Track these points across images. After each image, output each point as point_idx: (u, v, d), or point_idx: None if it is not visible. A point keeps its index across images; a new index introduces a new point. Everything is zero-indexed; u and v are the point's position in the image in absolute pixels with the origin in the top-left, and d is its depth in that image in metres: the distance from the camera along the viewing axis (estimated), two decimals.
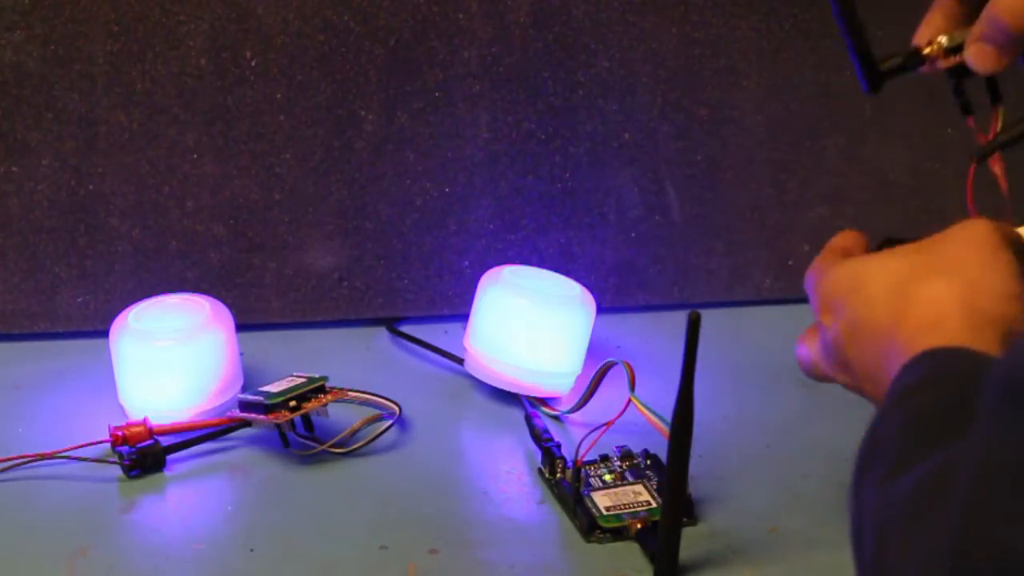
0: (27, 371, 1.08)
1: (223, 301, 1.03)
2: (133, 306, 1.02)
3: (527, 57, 1.13)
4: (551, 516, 0.92)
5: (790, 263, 1.18)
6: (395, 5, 1.11)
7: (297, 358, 1.08)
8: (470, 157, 1.14)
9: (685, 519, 0.88)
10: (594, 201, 1.15)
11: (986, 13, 0.79)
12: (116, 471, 0.95)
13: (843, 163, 1.18)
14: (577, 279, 1.07)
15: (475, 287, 1.05)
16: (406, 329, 1.13)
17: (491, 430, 1.02)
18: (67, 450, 0.96)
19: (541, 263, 1.13)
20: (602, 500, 0.91)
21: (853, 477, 0.66)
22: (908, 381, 0.67)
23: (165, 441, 0.97)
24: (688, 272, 1.17)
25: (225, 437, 0.98)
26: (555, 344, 1.02)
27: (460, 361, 1.06)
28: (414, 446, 0.99)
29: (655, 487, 0.93)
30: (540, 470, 0.95)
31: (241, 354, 1.03)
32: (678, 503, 0.84)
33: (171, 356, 0.99)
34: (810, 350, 0.82)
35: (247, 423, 0.97)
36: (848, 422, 1.01)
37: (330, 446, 0.97)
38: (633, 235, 1.16)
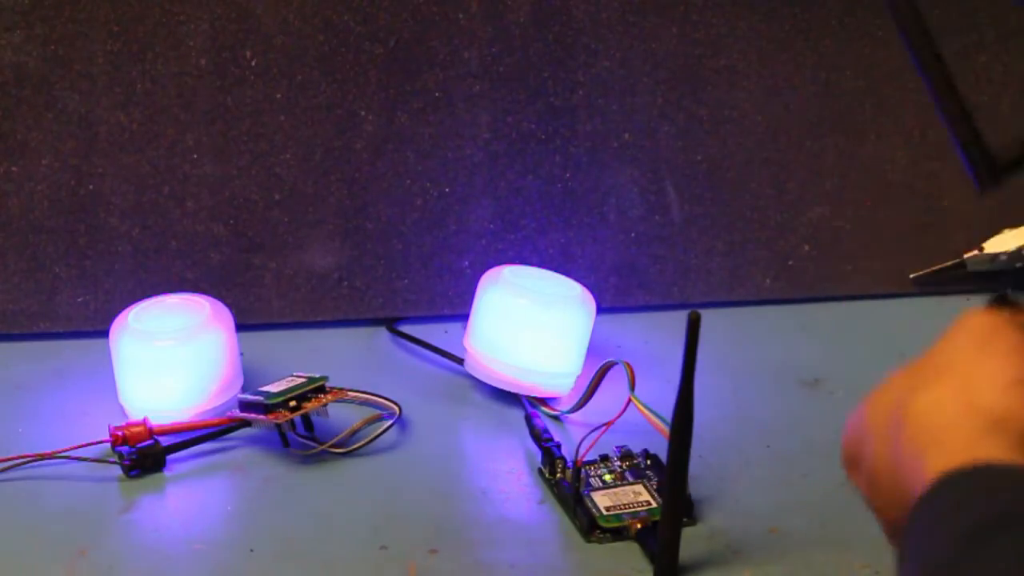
0: (27, 371, 1.08)
1: (223, 301, 1.03)
2: (133, 306, 1.02)
3: (527, 57, 1.13)
4: (551, 516, 0.92)
5: (790, 263, 1.18)
6: (395, 5, 1.11)
7: (297, 358, 1.08)
8: (470, 157, 1.14)
9: (685, 519, 0.88)
10: (594, 201, 1.15)
11: None
12: (116, 471, 0.95)
13: (843, 163, 1.18)
14: (577, 279, 1.06)
15: (475, 287, 1.05)
16: (406, 329, 1.13)
17: (491, 430, 1.02)
18: (67, 450, 0.96)
19: (541, 263, 1.13)
20: (602, 500, 0.91)
21: None
22: (917, 530, 0.56)
23: (165, 441, 0.97)
24: (688, 272, 1.17)
25: (225, 437, 0.98)
26: (555, 344, 1.02)
27: (460, 361, 1.06)
28: (414, 446, 0.99)
29: (655, 487, 0.93)
30: (540, 470, 0.95)
31: (241, 354, 1.03)
32: (678, 503, 0.84)
33: (171, 356, 0.99)
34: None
35: (247, 423, 0.97)
36: None
37: (330, 446, 0.97)
38: (633, 235, 1.16)
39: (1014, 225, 1.17)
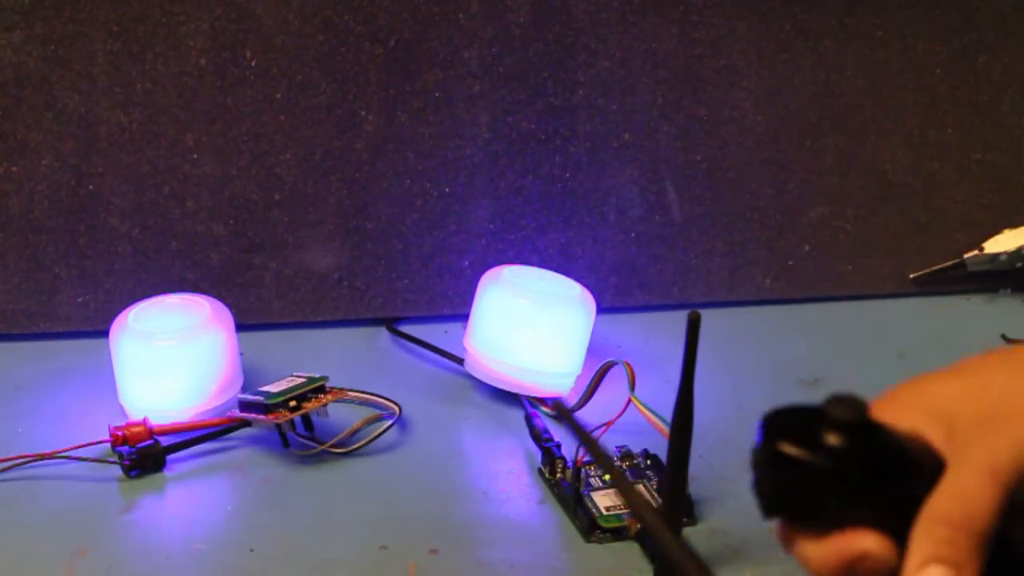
0: (27, 371, 1.08)
1: (223, 301, 1.03)
2: (133, 306, 1.02)
3: (527, 57, 1.13)
4: (551, 516, 0.92)
5: (790, 263, 1.18)
6: (395, 5, 1.11)
7: (297, 358, 1.08)
8: (470, 157, 1.14)
9: (685, 519, 0.88)
10: (594, 201, 1.15)
11: None
12: (116, 471, 0.95)
13: (843, 163, 1.18)
14: (577, 279, 1.06)
15: (475, 287, 1.05)
16: (406, 329, 1.13)
17: (491, 430, 1.02)
18: (67, 450, 0.96)
19: (541, 263, 1.13)
20: (602, 500, 0.91)
21: None
22: None
23: (165, 441, 0.97)
24: (688, 272, 1.17)
25: (225, 437, 0.98)
26: (555, 344, 1.02)
27: (460, 361, 1.06)
28: (414, 446, 0.99)
29: (655, 487, 0.93)
30: (540, 470, 0.95)
31: (241, 354, 1.03)
32: (678, 503, 0.84)
33: (171, 356, 0.99)
34: None
35: (247, 423, 0.97)
36: None
37: (330, 446, 0.97)
38: (633, 235, 1.16)
39: (1014, 225, 1.18)
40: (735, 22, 1.15)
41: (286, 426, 0.96)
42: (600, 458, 0.60)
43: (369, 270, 1.14)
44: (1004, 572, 0.55)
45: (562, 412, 0.64)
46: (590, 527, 0.89)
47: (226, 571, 0.87)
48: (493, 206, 1.14)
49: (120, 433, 0.96)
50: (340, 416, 1.00)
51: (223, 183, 1.12)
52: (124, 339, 0.99)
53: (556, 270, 1.09)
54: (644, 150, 1.15)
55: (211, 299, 1.02)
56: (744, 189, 1.17)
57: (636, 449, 0.96)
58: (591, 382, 0.98)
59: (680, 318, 0.80)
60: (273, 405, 0.96)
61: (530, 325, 1.02)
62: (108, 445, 0.97)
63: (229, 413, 0.99)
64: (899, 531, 0.56)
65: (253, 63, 1.11)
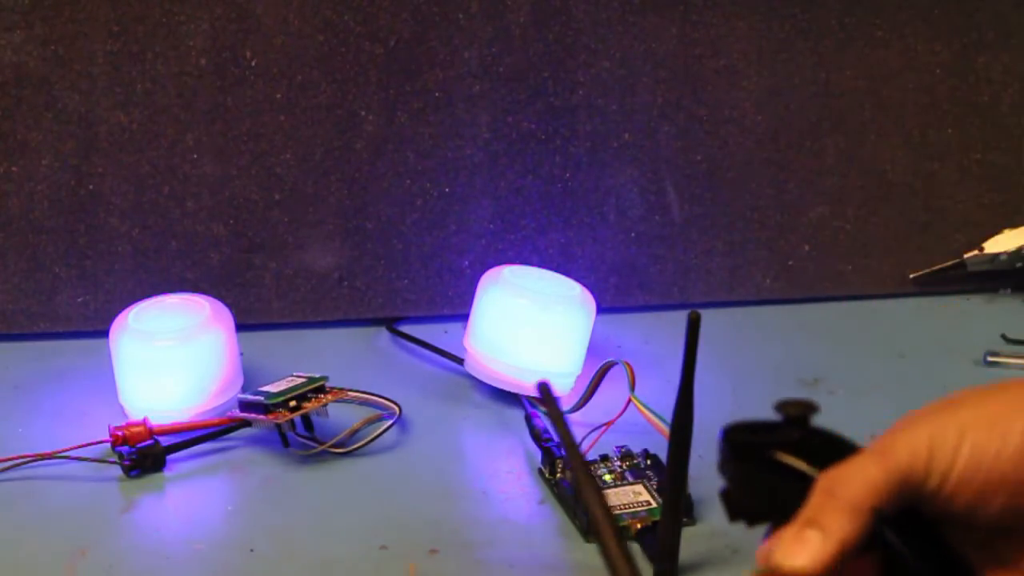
0: (27, 371, 1.08)
1: (223, 301, 1.03)
2: (133, 306, 1.02)
3: (527, 57, 1.13)
4: (551, 516, 0.92)
5: (790, 263, 1.18)
6: (395, 5, 1.11)
7: (297, 358, 1.08)
8: (470, 157, 1.14)
9: (685, 519, 0.88)
10: (594, 201, 1.15)
11: None
12: (116, 471, 0.95)
13: (843, 163, 1.18)
14: (577, 279, 1.06)
15: (475, 287, 1.05)
16: (406, 329, 1.13)
17: (491, 430, 1.02)
18: (67, 450, 0.96)
19: (541, 263, 1.13)
20: None
21: None
22: None
23: (165, 441, 0.97)
24: (688, 272, 1.17)
25: (225, 437, 0.98)
26: (555, 344, 1.02)
27: (460, 361, 1.06)
28: (414, 446, 0.99)
29: (655, 487, 0.93)
30: (540, 470, 0.95)
31: (241, 354, 1.03)
32: (678, 503, 0.84)
33: (171, 356, 0.99)
34: None
35: (247, 423, 0.97)
36: (848, 422, 1.02)
37: (330, 446, 0.97)
38: (633, 235, 1.16)
39: (1014, 225, 1.18)
40: (735, 22, 1.15)
41: (286, 426, 0.96)
42: (568, 445, 0.63)
43: (369, 270, 1.14)
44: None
45: (544, 394, 0.65)
46: (590, 527, 0.89)
47: (226, 571, 0.87)
48: (493, 206, 1.14)
49: (120, 433, 0.96)
50: (340, 416, 1.00)
51: (223, 183, 1.12)
52: (124, 339, 0.99)
53: (556, 270, 1.09)
54: (644, 150, 1.15)
55: (211, 299, 1.02)
56: (744, 189, 1.17)
57: (636, 449, 0.96)
58: (591, 382, 0.98)
59: (680, 318, 0.80)
60: (273, 405, 0.96)
61: (530, 325, 1.02)
62: (108, 445, 0.97)
63: (229, 413, 0.99)
64: None
65: (253, 63, 1.11)
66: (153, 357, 0.99)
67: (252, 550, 0.88)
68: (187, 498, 0.95)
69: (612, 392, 0.96)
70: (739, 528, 0.90)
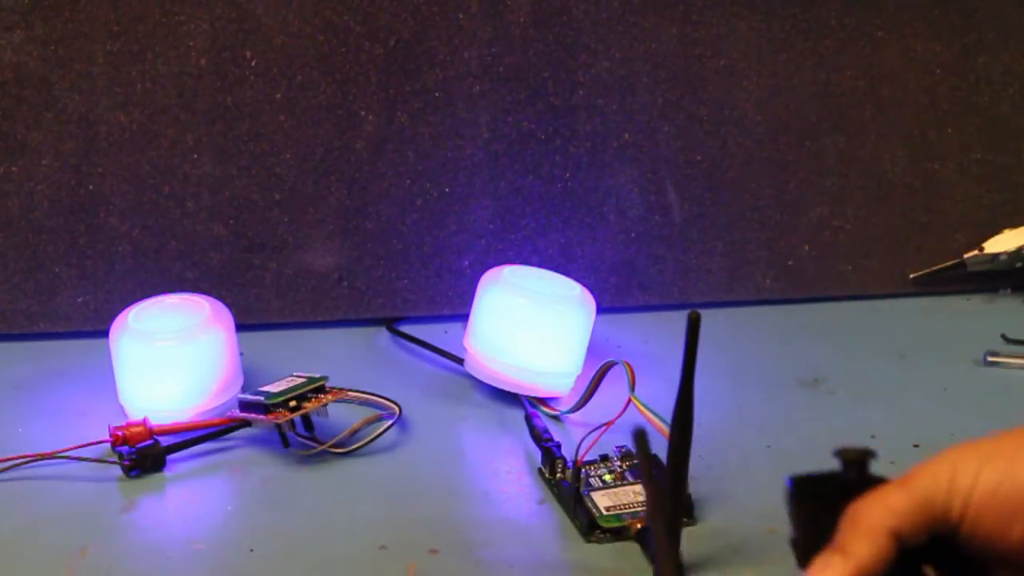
0: (27, 371, 1.08)
1: (223, 301, 1.03)
2: (133, 306, 1.02)
3: (527, 57, 1.13)
4: (551, 516, 0.92)
5: (790, 263, 1.18)
6: (395, 5, 1.11)
7: (297, 358, 1.08)
8: (470, 157, 1.14)
9: (685, 519, 0.88)
10: (594, 201, 1.15)
11: None
12: (116, 471, 0.95)
13: (843, 163, 1.18)
14: (577, 279, 1.06)
15: (475, 287, 1.05)
16: (406, 329, 1.13)
17: (491, 430, 1.02)
18: (67, 450, 0.96)
19: (541, 263, 1.13)
20: (602, 500, 0.91)
21: None
22: None
23: (165, 441, 0.97)
24: (688, 272, 1.17)
25: (225, 437, 0.98)
26: (555, 344, 1.02)
27: (460, 361, 1.06)
28: (414, 446, 0.99)
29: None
30: (540, 470, 0.95)
31: (241, 354, 1.03)
32: (678, 503, 0.84)
33: (171, 356, 0.99)
34: None
35: (247, 423, 0.97)
36: (848, 422, 1.02)
37: (330, 446, 0.97)
38: (633, 235, 1.16)
39: (1014, 225, 1.18)
40: (735, 22, 1.15)
41: (286, 426, 0.96)
42: (655, 504, 0.68)
43: (369, 270, 1.14)
44: None
45: (640, 441, 0.67)
46: (590, 527, 0.89)
47: (226, 571, 0.87)
48: (493, 206, 1.14)
49: (120, 433, 0.96)
50: (340, 416, 1.00)
51: (223, 183, 1.12)
52: (124, 339, 0.99)
53: (556, 270, 1.09)
54: (644, 150, 1.15)
55: (211, 299, 1.02)
56: (744, 189, 1.17)
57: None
58: (591, 382, 0.98)
59: (680, 318, 0.79)
60: (273, 405, 0.96)
61: (530, 325, 1.02)
62: (108, 445, 0.97)
63: (229, 413, 0.99)
64: None
65: (253, 63, 1.11)
66: (153, 357, 0.99)
67: (252, 550, 0.88)
68: (187, 498, 0.95)
69: (612, 392, 0.96)
70: (739, 528, 0.90)
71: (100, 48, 1.09)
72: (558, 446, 0.95)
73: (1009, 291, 1.19)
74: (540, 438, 0.96)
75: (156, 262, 1.12)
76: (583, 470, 0.92)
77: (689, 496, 0.89)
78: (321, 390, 0.98)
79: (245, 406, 0.97)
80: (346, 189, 1.13)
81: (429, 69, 1.12)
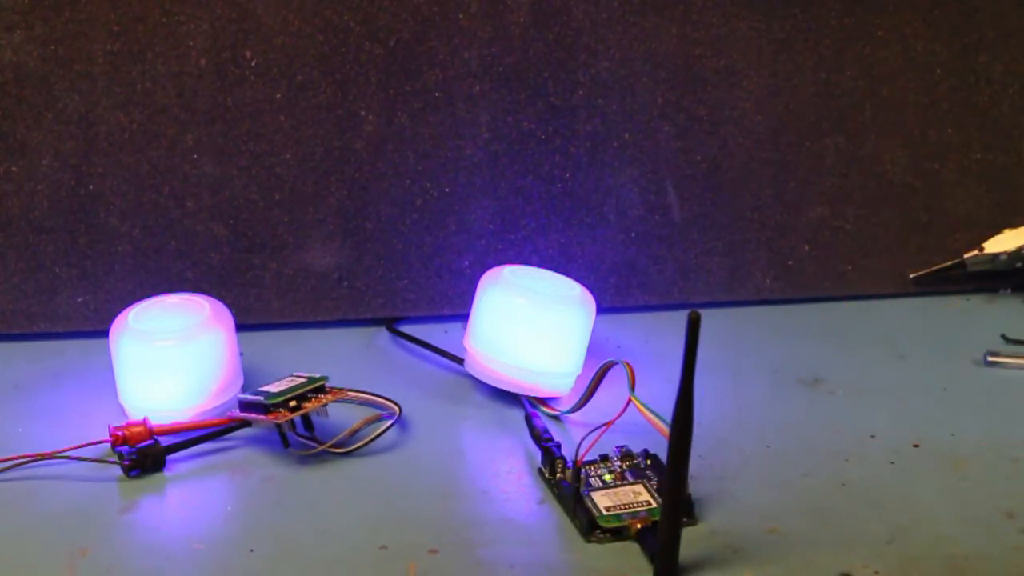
0: (27, 371, 1.08)
1: (223, 301, 1.03)
2: (133, 306, 1.02)
3: (527, 57, 1.13)
4: (551, 516, 0.92)
5: (790, 263, 1.18)
6: (395, 5, 1.11)
7: (297, 358, 1.08)
8: (470, 157, 1.14)
9: (685, 519, 0.88)
10: (594, 201, 1.15)
11: None
12: (116, 471, 0.95)
13: (843, 163, 1.18)
14: (577, 279, 1.06)
15: (475, 287, 1.05)
16: (406, 329, 1.13)
17: (491, 430, 1.02)
18: (67, 450, 0.96)
19: (541, 263, 1.13)
20: (602, 500, 0.91)
21: None
22: None
23: (165, 441, 0.97)
24: (688, 272, 1.17)
25: (225, 437, 0.98)
26: (555, 344, 1.02)
27: (460, 361, 1.06)
28: (414, 446, 0.99)
29: (655, 487, 0.93)
30: (540, 470, 0.95)
31: (241, 354, 1.03)
32: (678, 503, 0.84)
33: (171, 356, 0.99)
34: None
35: (247, 423, 0.97)
36: (848, 422, 1.02)
37: (330, 446, 0.97)
38: (633, 235, 1.16)
39: (1014, 225, 1.18)
40: (735, 22, 1.15)
41: (286, 426, 0.96)
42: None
43: (369, 270, 1.14)
44: None
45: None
46: (590, 527, 0.89)
47: (226, 571, 0.87)
48: (493, 206, 1.14)
49: (120, 433, 0.96)
50: (340, 416, 1.00)
51: (223, 183, 1.12)
52: (124, 339, 0.99)
53: (556, 270, 1.09)
54: (644, 150, 1.15)
55: (211, 299, 1.02)
56: (744, 189, 1.17)
57: (636, 449, 0.96)
58: (591, 382, 0.98)
59: (680, 318, 0.79)
60: (273, 405, 0.96)
61: (530, 325, 1.02)
62: (108, 445, 0.97)
63: (229, 413, 0.99)
64: None
65: (253, 63, 1.11)
66: (153, 357, 0.99)
67: (252, 550, 0.88)
68: (187, 498, 0.95)
69: (612, 392, 0.96)
70: (739, 528, 0.91)
71: (100, 48, 1.09)
72: (558, 446, 0.95)
73: (1009, 291, 1.19)
74: (540, 438, 0.96)
75: (156, 262, 1.12)
76: (583, 470, 0.92)
77: (689, 496, 0.89)
78: (321, 390, 0.98)
79: (245, 406, 0.97)
80: (346, 189, 1.13)
81: (429, 69, 1.12)
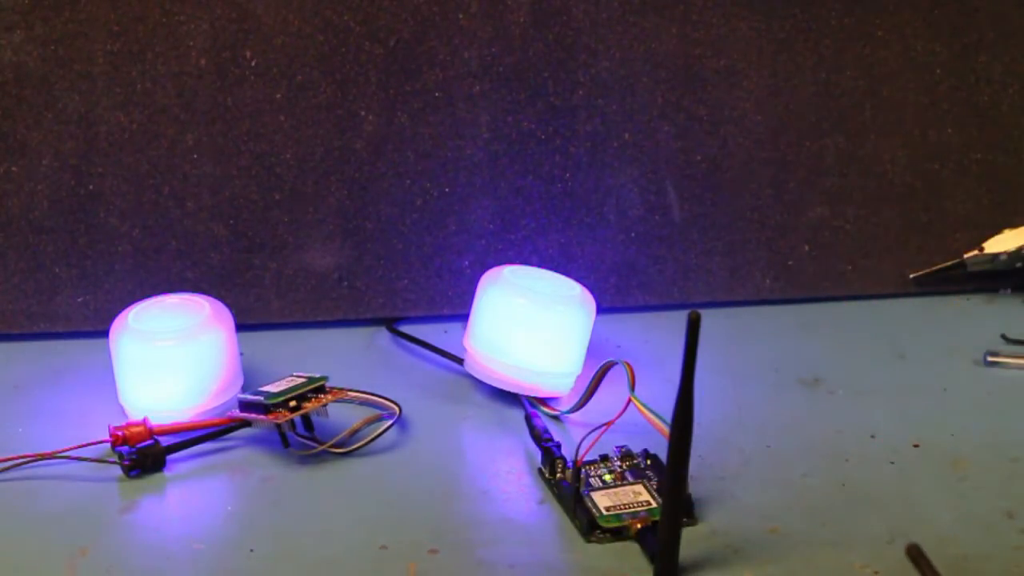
0: (27, 371, 1.08)
1: (223, 301, 1.03)
2: (133, 306, 1.02)
3: (527, 57, 1.13)
4: (551, 516, 0.92)
5: (790, 263, 1.18)
6: (395, 5, 1.11)
7: (297, 358, 1.08)
8: (470, 157, 1.14)
9: (685, 519, 0.88)
10: (594, 201, 1.15)
11: None
12: (116, 471, 0.95)
13: (843, 163, 1.18)
14: (577, 279, 1.06)
15: (475, 287, 1.05)
16: (406, 329, 1.13)
17: (491, 430, 1.02)
18: (67, 450, 0.96)
19: (541, 263, 1.13)
20: (602, 500, 0.91)
21: None
22: None
23: (165, 441, 0.97)
24: (688, 272, 1.17)
25: (225, 437, 0.98)
26: (555, 344, 1.02)
27: (460, 361, 1.06)
28: (414, 446, 0.99)
29: (655, 487, 0.93)
30: (540, 470, 0.95)
31: (241, 354, 1.03)
32: (678, 503, 0.84)
33: (171, 356, 0.99)
34: None
35: (247, 423, 0.97)
36: (848, 422, 1.02)
37: (330, 446, 0.97)
38: (633, 235, 1.16)
39: (1014, 225, 1.18)
40: (735, 22, 1.15)
41: (286, 426, 0.96)
42: None
43: (369, 270, 1.14)
44: None
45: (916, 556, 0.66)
46: (590, 527, 0.89)
47: (226, 571, 0.87)
48: (493, 206, 1.14)
49: (120, 433, 0.96)
50: (340, 416, 1.00)
51: (223, 183, 1.12)
52: (124, 339, 0.99)
53: (556, 270, 1.09)
54: (644, 150, 1.15)
55: (211, 299, 1.02)
56: (744, 189, 1.17)
57: (636, 449, 0.96)
58: (591, 382, 0.98)
59: (680, 318, 0.80)
60: (273, 405, 0.96)
61: (530, 325, 1.02)
62: (108, 445, 0.97)
63: (229, 413, 0.99)
64: None
65: (253, 63, 1.11)
66: (153, 357, 0.99)
67: (252, 550, 0.88)
68: (187, 498, 0.95)
69: (612, 392, 0.96)
70: (739, 528, 0.91)
71: (100, 48, 1.09)
72: (558, 446, 0.95)
73: (1009, 291, 1.19)
74: (540, 438, 0.96)
75: (156, 262, 1.12)
76: (583, 470, 0.92)
77: (689, 496, 0.89)
78: (321, 390, 0.98)
79: (245, 406, 0.97)
80: (346, 189, 1.13)
81: (429, 69, 1.12)
